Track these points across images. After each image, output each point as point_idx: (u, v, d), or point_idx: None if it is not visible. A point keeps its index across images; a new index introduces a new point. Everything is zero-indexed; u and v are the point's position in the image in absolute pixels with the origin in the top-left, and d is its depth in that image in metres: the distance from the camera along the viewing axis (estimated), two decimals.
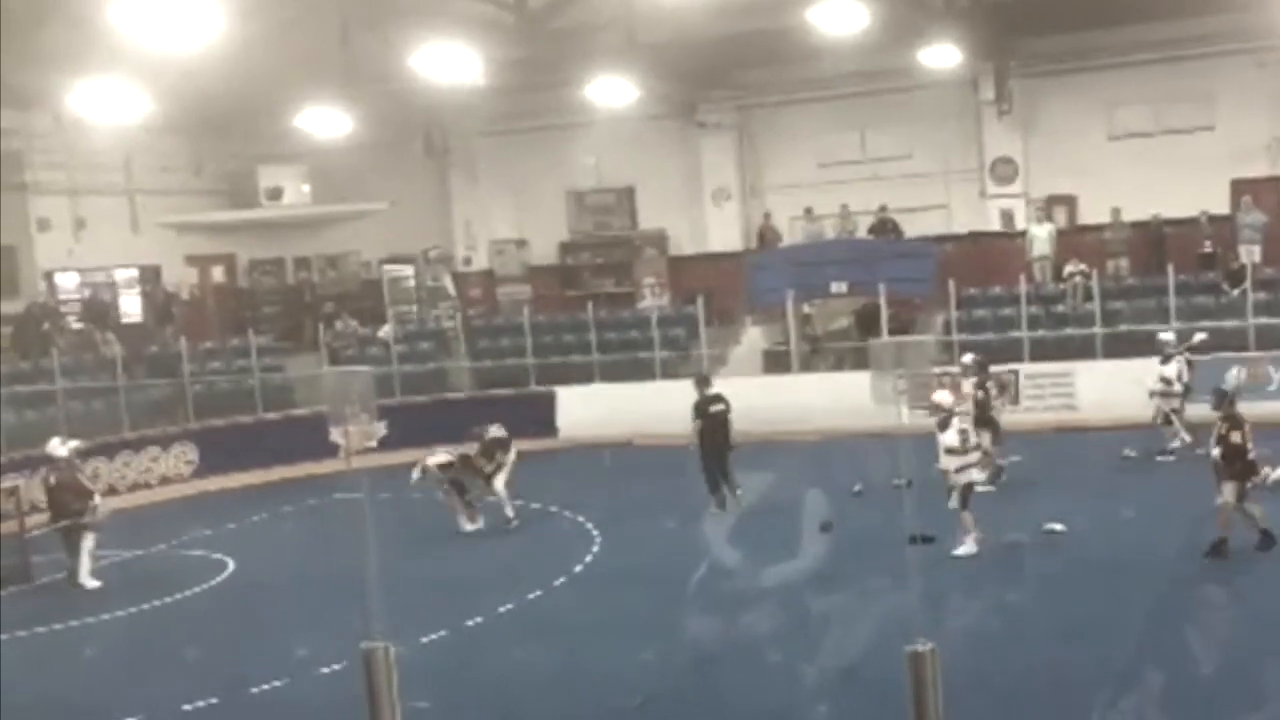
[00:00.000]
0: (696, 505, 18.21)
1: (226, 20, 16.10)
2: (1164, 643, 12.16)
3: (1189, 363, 20.33)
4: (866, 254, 26.86)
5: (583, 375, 26.82)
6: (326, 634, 13.62)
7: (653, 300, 29.39)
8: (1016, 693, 11.39)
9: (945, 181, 28.66)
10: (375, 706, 8.18)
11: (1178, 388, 20.05)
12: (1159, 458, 19.72)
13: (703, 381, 20.03)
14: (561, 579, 16.09)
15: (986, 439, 18.54)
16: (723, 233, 30.27)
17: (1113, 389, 22.49)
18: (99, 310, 28.44)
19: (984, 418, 18.58)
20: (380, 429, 19.17)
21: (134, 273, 29.72)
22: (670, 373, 26.15)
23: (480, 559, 17.75)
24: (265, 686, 12.74)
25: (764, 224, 29.39)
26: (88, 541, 17.53)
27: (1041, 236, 27.03)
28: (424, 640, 13.41)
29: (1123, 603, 13.57)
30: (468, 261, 32.27)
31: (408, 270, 31.38)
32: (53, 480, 17.96)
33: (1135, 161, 27.09)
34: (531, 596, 15.36)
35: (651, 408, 24.61)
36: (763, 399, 24.94)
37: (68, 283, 28.55)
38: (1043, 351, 25.01)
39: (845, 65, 26.20)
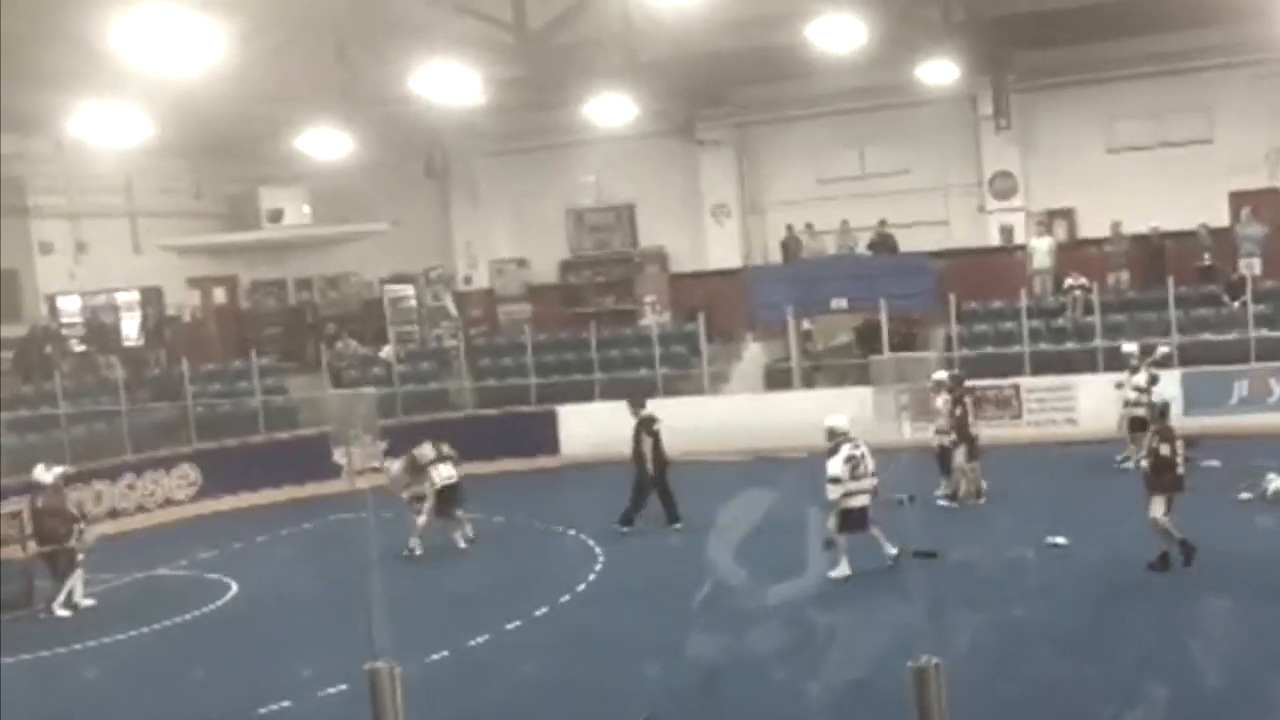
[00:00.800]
0: (699, 522, 17.94)
1: (226, 43, 16.20)
2: (1168, 655, 12.16)
3: (1153, 377, 20.32)
4: (866, 270, 26.96)
5: (584, 393, 26.84)
6: (330, 654, 13.54)
7: (654, 317, 29.43)
8: (1022, 707, 11.39)
9: (945, 196, 28.78)
10: None
11: (1147, 398, 19.93)
12: (1124, 466, 19.65)
13: (638, 403, 20.11)
14: (566, 596, 16.15)
15: (961, 454, 18.75)
16: (723, 249, 30.33)
17: (1113, 403, 22.55)
18: (101, 333, 28.48)
19: (963, 434, 19.04)
20: (381, 449, 19.34)
21: (135, 295, 29.80)
22: (672, 390, 26.20)
23: (484, 577, 17.74)
24: (270, 708, 12.73)
25: (788, 235, 29.18)
26: (74, 569, 17.45)
27: (1041, 250, 27.09)
28: (429, 659, 13.41)
29: (1127, 615, 13.62)
30: (468, 281, 32.34)
31: (409, 290, 31.39)
32: (39, 505, 17.91)
33: (1134, 174, 27.18)
34: (537, 614, 15.39)
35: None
36: (764, 415, 25.05)
37: (70, 306, 28.61)
38: (1043, 365, 25.08)
39: (844, 81, 26.35)
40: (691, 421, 24.09)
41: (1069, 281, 26.17)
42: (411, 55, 21.97)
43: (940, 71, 25.78)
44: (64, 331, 28.04)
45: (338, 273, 32.59)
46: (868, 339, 26.18)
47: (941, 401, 19.45)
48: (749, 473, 19.13)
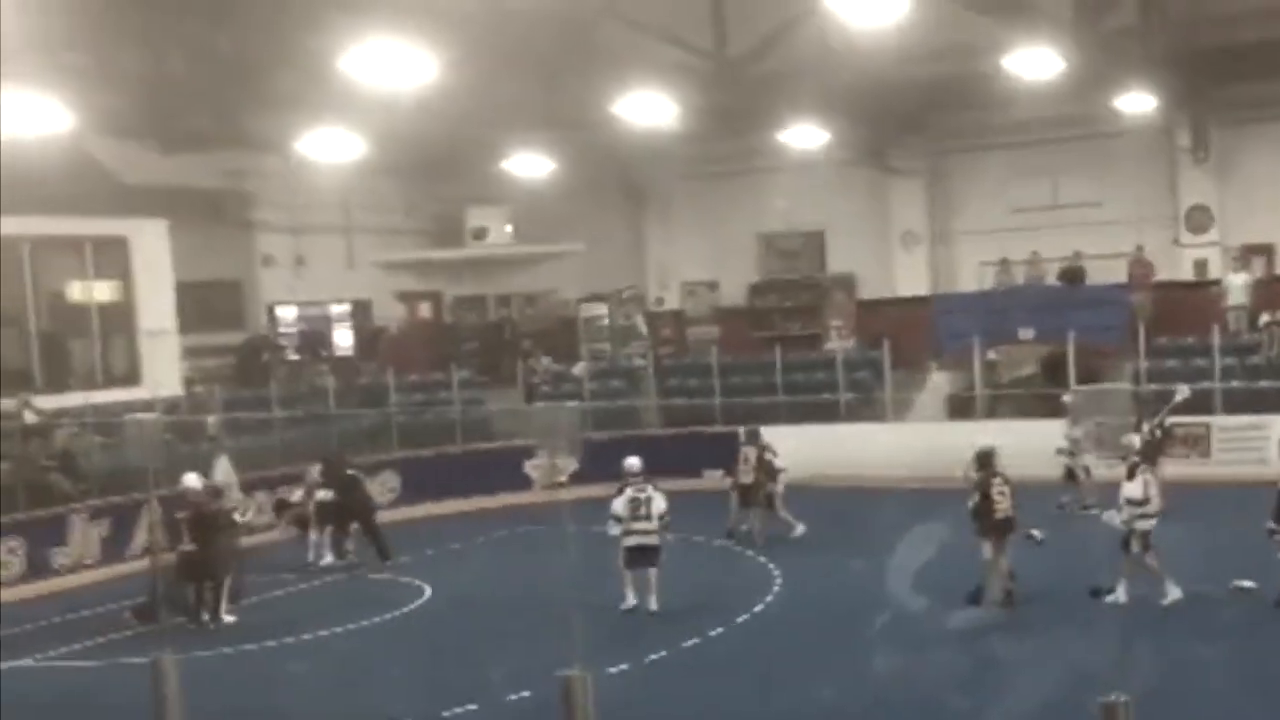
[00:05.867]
0: (880, 546, 17.93)
1: (440, 68, 17.23)
2: None
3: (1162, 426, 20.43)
4: (1056, 301, 26.89)
5: (768, 416, 27.21)
6: (518, 661, 14.26)
7: (839, 343, 29.74)
8: None
9: (1138, 229, 28.46)
10: None
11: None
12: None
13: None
14: (743, 616, 16.41)
15: None
16: (910, 277, 30.51)
17: None
18: (314, 342, 30.12)
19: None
20: (572, 464, 20.15)
21: (347, 307, 31.43)
22: (854, 416, 26.52)
23: (662, 594, 18.02)
24: (456, 710, 13.09)
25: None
26: (229, 577, 17.77)
27: (1237, 285, 26.61)
28: (609, 671, 13.63)
29: None
30: (660, 302, 33.14)
31: (602, 309, 32.34)
32: (190, 513, 17.75)
33: None
34: (713, 633, 15.66)
35: (835, 450, 25.04)
36: (946, 445, 25.11)
37: (287, 316, 30.35)
38: (1236, 404, 24.68)
39: (1039, 111, 26.29)
40: (873, 448, 24.44)
41: (1265, 318, 25.61)
42: (615, 81, 22.83)
43: (1138, 103, 25.64)
44: (281, 340, 29.76)
45: (536, 290, 33.74)
46: (1053, 371, 26.09)
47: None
48: (929, 501, 19.35)
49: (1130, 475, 15.83)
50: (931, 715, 12.44)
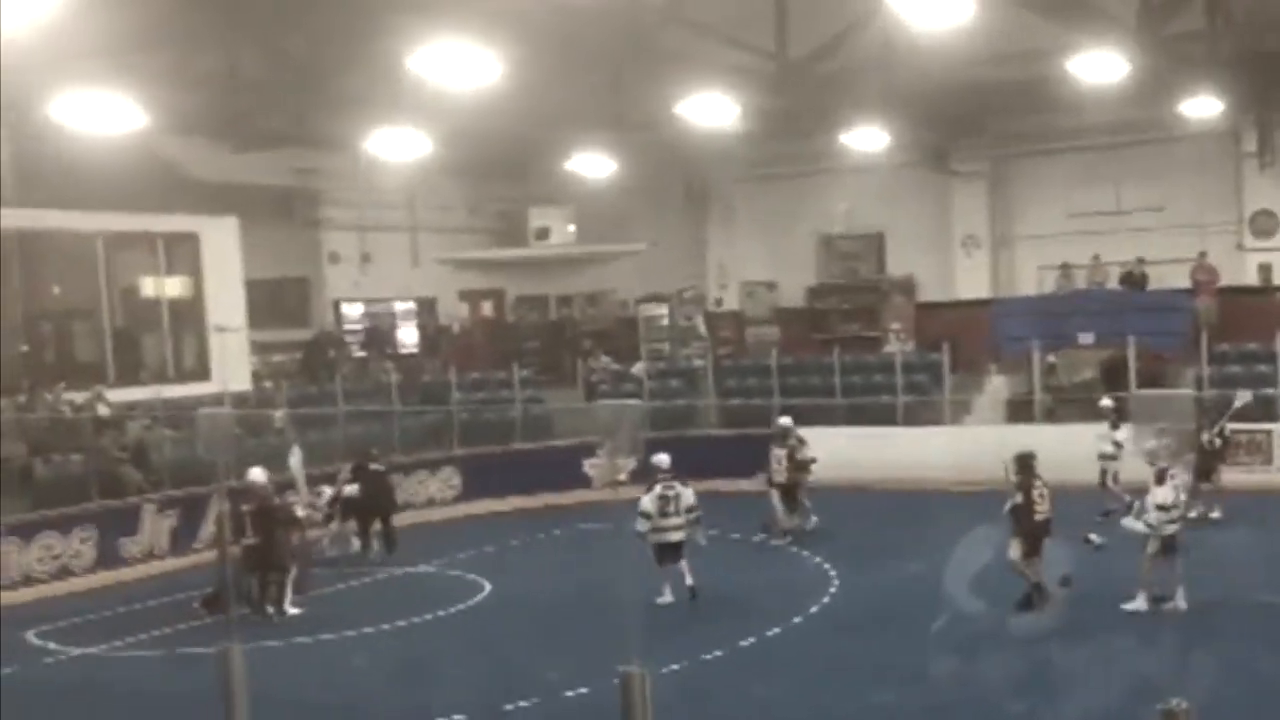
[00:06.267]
0: (937, 549, 17.91)
1: (505, 68, 17.47)
2: None
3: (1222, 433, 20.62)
4: (1117, 305, 26.80)
5: (826, 417, 27.30)
6: (576, 658, 14.46)
7: (897, 345, 29.77)
8: None
9: (1201, 234, 28.29)
10: None
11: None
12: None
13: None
14: (799, 618, 16.48)
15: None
16: (970, 280, 30.48)
17: None
18: (379, 339, 30.53)
19: None
20: (631, 463, 20.37)
21: (411, 305, 31.82)
22: (912, 419, 26.56)
23: (720, 593, 18.10)
24: (515, 705, 13.25)
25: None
26: (291, 570, 18.01)
27: None
28: (664, 670, 13.59)
29: None
30: (719, 302, 33.27)
31: (662, 309, 32.54)
32: (256, 507, 17.94)
33: None
34: (770, 633, 15.74)
35: (892, 452, 25.10)
36: (1005, 448, 25.07)
37: (353, 313, 30.77)
38: None
39: (1103, 116, 26.18)
40: (931, 451, 24.46)
41: None
42: (677, 82, 22.98)
43: (1203, 107, 25.46)
44: (346, 337, 30.18)
45: (596, 290, 34.00)
46: (1113, 376, 26.00)
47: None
48: (986, 504, 19.34)
49: (1159, 480, 15.83)
50: (985, 718, 12.48)
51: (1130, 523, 15.98)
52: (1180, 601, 15.57)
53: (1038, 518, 15.80)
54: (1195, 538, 17.96)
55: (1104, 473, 21.06)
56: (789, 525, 21.53)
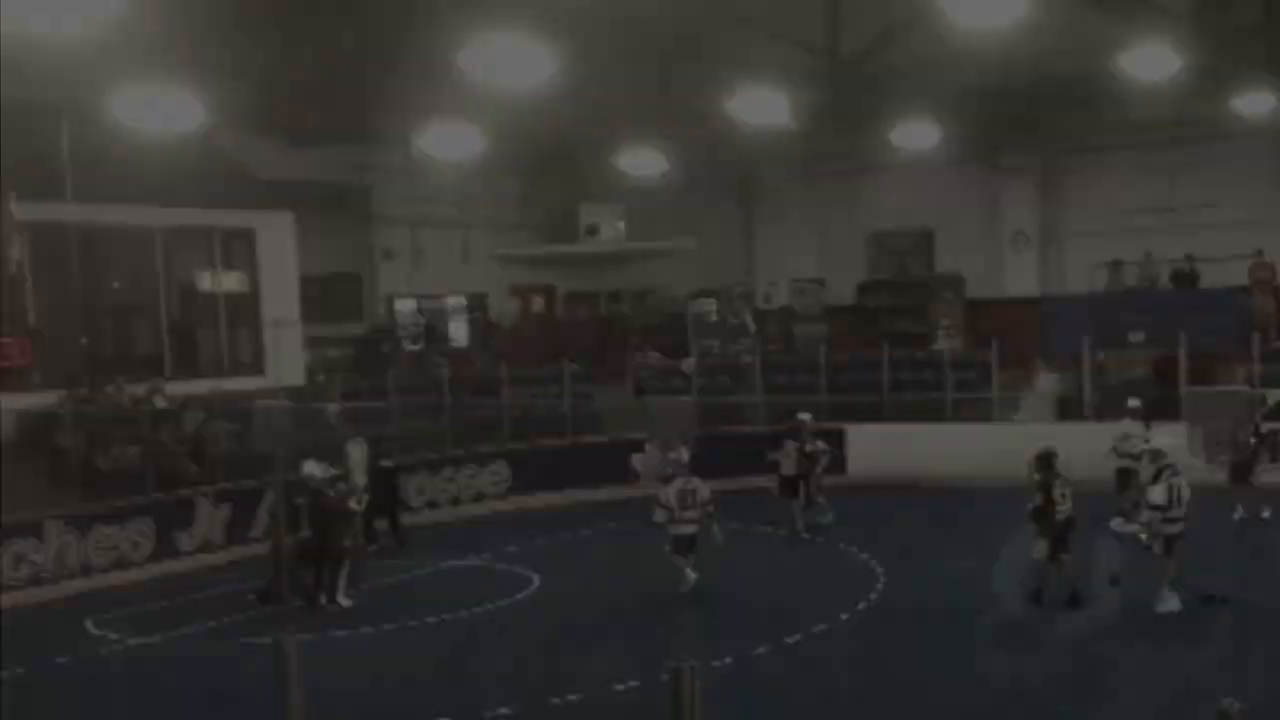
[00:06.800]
0: (983, 546, 18.00)
1: (557, 66, 17.64)
2: None
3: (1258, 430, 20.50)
4: (1168, 303, 26.65)
5: (874, 413, 27.31)
6: (623, 652, 14.56)
7: (946, 342, 29.72)
8: None
9: (1253, 231, 28.06)
10: None
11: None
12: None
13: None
14: (845, 615, 16.47)
15: None
16: (1020, 277, 30.37)
17: None
18: (432, 335, 30.78)
19: None
20: (684, 455, 20.52)
21: (463, 300, 32.06)
22: (960, 415, 26.52)
23: (767, 589, 18.33)
24: (564, 699, 13.22)
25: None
26: (345, 563, 18.04)
27: None
28: (714, 665, 13.70)
29: None
30: (768, 299, 33.33)
31: (711, 306, 32.62)
32: (309, 500, 18.03)
33: None
34: (816, 630, 15.73)
35: (940, 448, 25.09)
36: (1054, 445, 25.00)
37: (405, 308, 31.04)
38: None
39: (1155, 112, 26.11)
40: (980, 447, 24.41)
41: None
42: (728, 80, 23.05)
43: (1257, 103, 25.29)
44: (399, 332, 30.44)
45: (646, 286, 34.12)
46: (1163, 373, 25.86)
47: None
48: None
49: (1155, 479, 15.80)
50: (1036, 717, 12.48)
51: (1120, 525, 15.94)
52: (1174, 602, 15.45)
53: (1059, 516, 15.77)
54: (1250, 536, 17.90)
55: (1127, 472, 20.69)
56: (799, 523, 21.55)
